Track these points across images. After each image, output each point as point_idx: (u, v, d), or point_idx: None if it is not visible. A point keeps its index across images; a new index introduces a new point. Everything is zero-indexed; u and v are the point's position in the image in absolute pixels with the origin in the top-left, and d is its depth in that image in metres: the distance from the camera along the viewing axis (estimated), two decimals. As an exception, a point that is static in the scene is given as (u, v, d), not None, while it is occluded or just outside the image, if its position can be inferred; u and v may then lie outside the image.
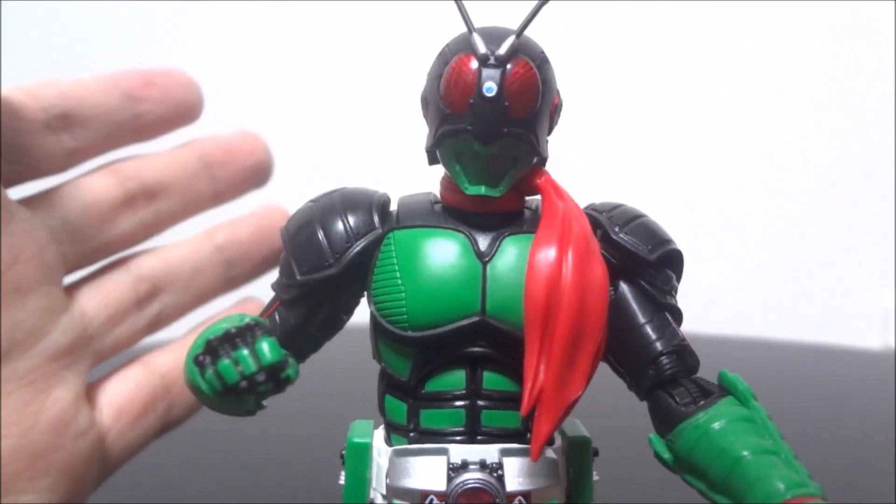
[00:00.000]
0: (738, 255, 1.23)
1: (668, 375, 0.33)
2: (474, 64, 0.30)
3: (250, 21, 1.19)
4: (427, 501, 0.31)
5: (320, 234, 0.33)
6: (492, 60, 0.30)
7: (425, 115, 0.33)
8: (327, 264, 0.33)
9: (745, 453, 0.30)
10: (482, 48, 0.30)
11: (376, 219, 0.33)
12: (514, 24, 0.31)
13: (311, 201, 0.35)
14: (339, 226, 0.33)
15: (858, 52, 1.20)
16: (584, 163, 1.15)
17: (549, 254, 0.29)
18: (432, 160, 0.33)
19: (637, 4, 1.17)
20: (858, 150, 1.21)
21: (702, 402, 0.32)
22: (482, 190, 0.31)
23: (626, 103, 1.20)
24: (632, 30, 1.19)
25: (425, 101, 0.33)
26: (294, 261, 0.33)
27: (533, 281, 0.29)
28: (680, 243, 0.35)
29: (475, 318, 0.31)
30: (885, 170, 1.20)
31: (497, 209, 0.33)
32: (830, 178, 1.22)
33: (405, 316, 0.31)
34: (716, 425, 0.31)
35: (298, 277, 0.33)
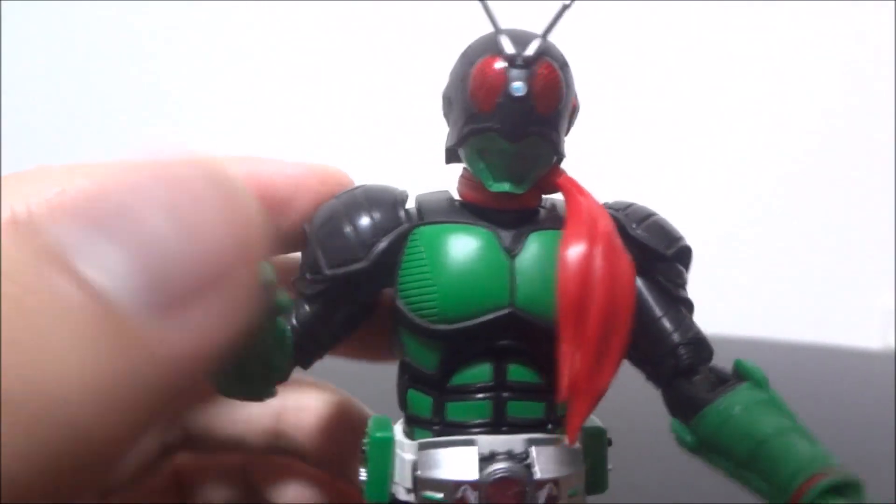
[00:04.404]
0: (738, 255, 1.23)
1: (686, 365, 0.34)
2: (502, 64, 0.31)
3: (254, 21, 1.19)
4: (461, 491, 0.31)
5: (348, 229, 0.33)
6: (519, 61, 0.30)
7: (446, 115, 0.34)
8: (357, 258, 0.33)
9: (770, 431, 0.31)
10: (510, 49, 0.31)
11: (402, 214, 0.33)
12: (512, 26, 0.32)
13: (333, 198, 0.34)
14: (366, 220, 0.33)
15: (858, 52, 1.21)
16: (594, 163, 1.15)
17: (579, 250, 0.30)
18: (450, 158, 0.34)
19: (647, 6, 1.17)
20: (858, 150, 1.22)
21: (720, 389, 0.33)
22: (507, 187, 0.32)
23: (632, 106, 1.21)
24: (642, 33, 1.20)
25: (448, 101, 0.33)
26: (322, 255, 0.33)
27: (566, 276, 0.30)
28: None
29: (505, 311, 0.32)
30: (885, 170, 1.21)
31: (517, 206, 0.33)
32: (830, 179, 1.23)
33: (436, 309, 0.32)
34: (738, 409, 0.32)
35: (327, 272, 0.33)
